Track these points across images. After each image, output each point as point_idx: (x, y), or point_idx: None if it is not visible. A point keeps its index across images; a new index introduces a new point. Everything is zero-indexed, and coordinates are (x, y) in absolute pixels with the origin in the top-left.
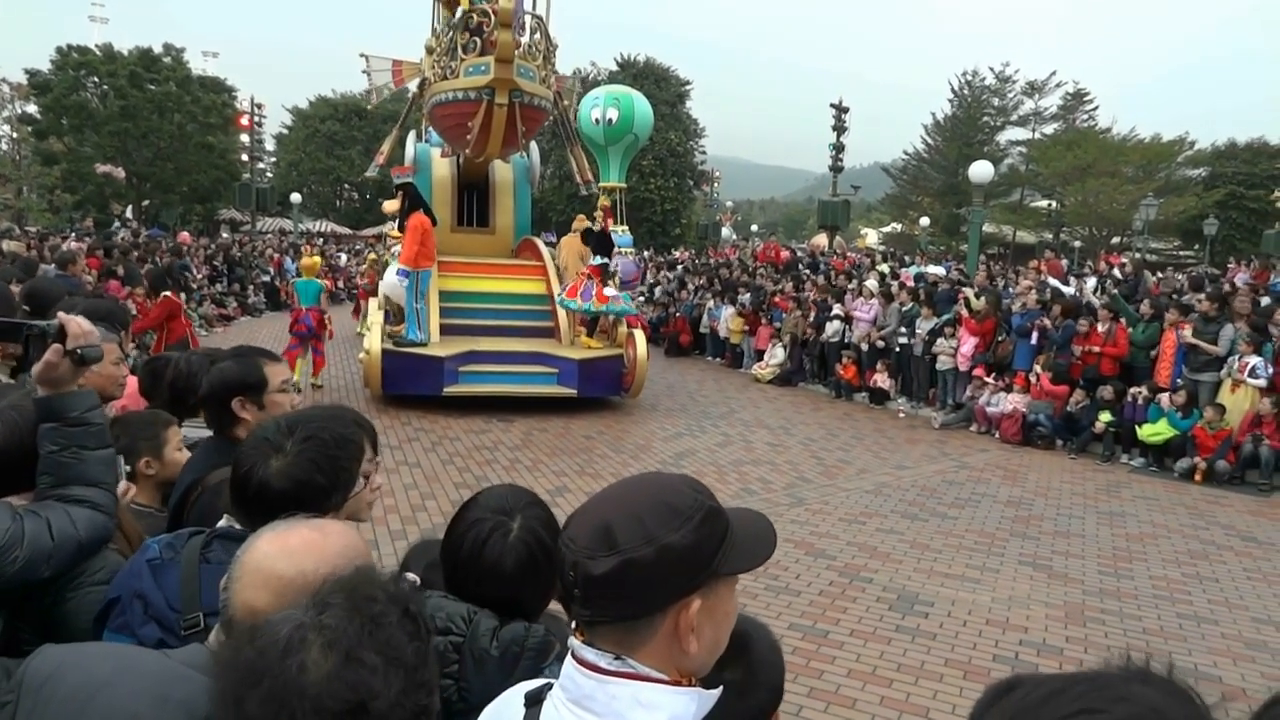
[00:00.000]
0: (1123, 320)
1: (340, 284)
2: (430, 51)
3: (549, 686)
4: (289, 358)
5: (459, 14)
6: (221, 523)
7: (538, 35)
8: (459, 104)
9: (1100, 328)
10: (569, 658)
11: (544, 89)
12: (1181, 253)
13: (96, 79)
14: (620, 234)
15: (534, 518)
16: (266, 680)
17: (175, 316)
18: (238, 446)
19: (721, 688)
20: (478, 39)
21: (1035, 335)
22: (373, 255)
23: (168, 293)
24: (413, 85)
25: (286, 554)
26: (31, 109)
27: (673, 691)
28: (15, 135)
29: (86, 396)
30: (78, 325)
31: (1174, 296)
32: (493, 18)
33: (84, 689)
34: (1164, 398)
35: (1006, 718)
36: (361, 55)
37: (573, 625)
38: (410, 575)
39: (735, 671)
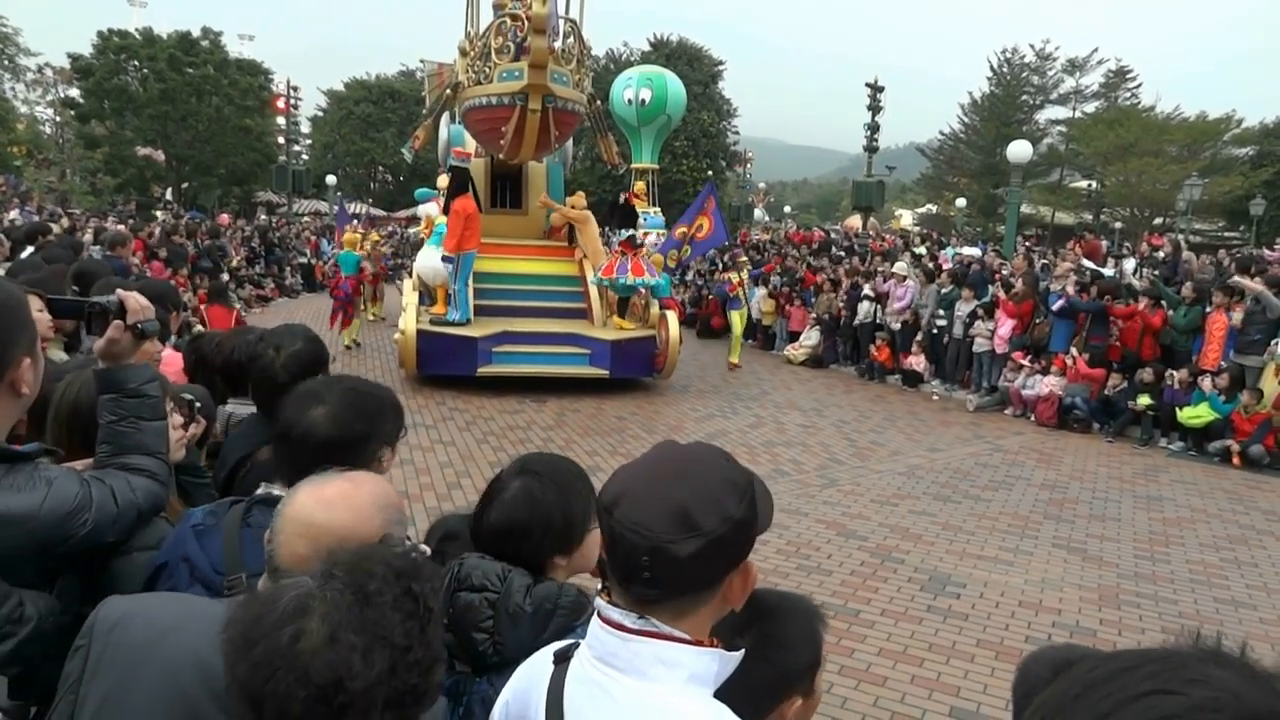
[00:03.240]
0: (1163, 304)
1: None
2: (464, 54)
3: (576, 645)
4: (334, 320)
5: (494, 18)
6: (260, 490)
7: (571, 39)
8: (493, 109)
9: (1141, 303)
10: (595, 617)
11: (577, 93)
12: (1226, 234)
13: (137, 63)
14: (653, 215)
15: (530, 481)
16: (260, 647)
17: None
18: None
19: (742, 651)
20: (512, 44)
21: (1060, 302)
22: (375, 235)
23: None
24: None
25: (324, 504)
26: (74, 93)
27: (695, 651)
28: (58, 119)
29: (144, 370)
30: (136, 301)
31: (1219, 277)
32: (527, 23)
33: (151, 632)
34: (1206, 381)
35: (1072, 693)
36: (421, 61)
37: (599, 587)
38: (423, 547)
39: (746, 639)
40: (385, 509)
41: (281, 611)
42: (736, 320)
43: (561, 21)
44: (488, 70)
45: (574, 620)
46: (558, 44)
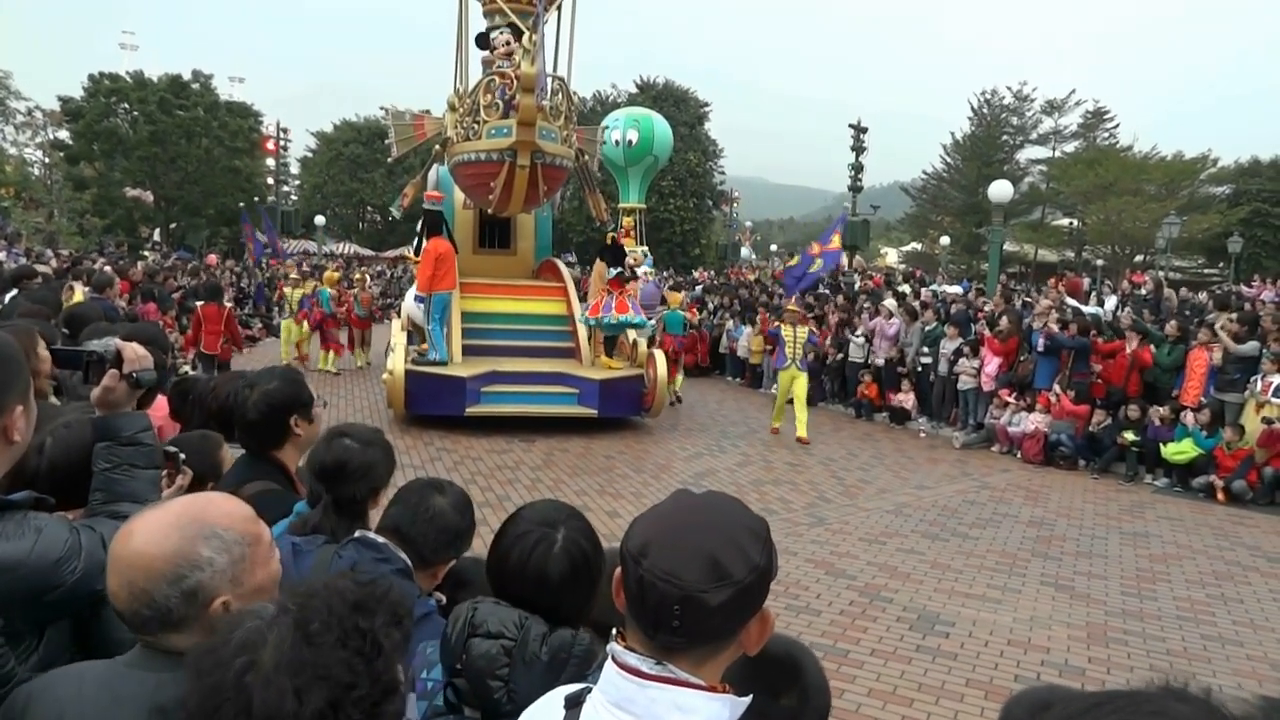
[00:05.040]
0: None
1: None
2: (453, 109)
3: (588, 690)
4: (334, 347)
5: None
6: (358, 532)
7: (559, 96)
8: (482, 164)
9: (1131, 346)
10: (610, 662)
11: (565, 149)
12: (1206, 270)
13: (127, 105)
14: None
15: (576, 529)
16: (211, 678)
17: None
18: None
19: (751, 696)
20: (500, 101)
21: (1042, 342)
22: (359, 275)
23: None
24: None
25: (122, 539)
26: (63, 135)
27: (709, 697)
28: (48, 160)
29: (139, 418)
30: (133, 351)
31: (1196, 315)
32: (516, 81)
33: (57, 705)
34: (1189, 416)
35: None
36: (381, 108)
37: (614, 631)
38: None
39: (790, 698)
40: (184, 529)
41: (235, 645)
42: (793, 385)
43: (550, 79)
44: (476, 126)
45: (586, 669)
46: (546, 101)
